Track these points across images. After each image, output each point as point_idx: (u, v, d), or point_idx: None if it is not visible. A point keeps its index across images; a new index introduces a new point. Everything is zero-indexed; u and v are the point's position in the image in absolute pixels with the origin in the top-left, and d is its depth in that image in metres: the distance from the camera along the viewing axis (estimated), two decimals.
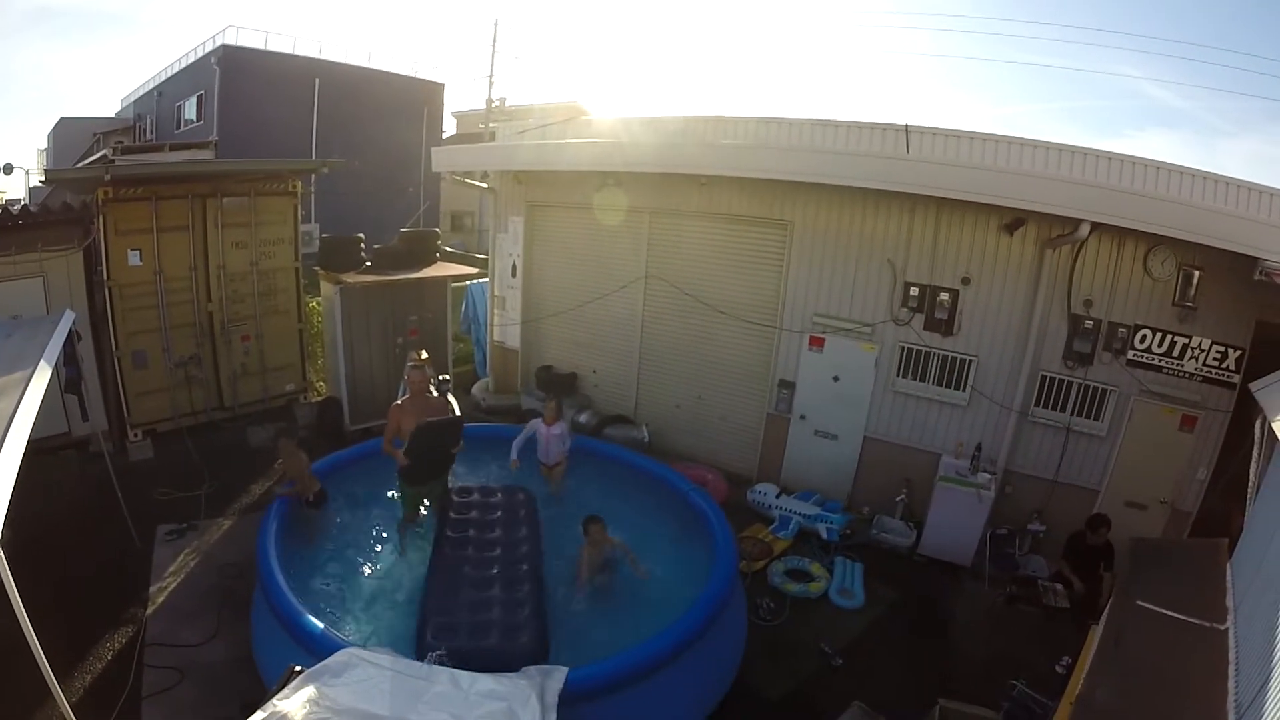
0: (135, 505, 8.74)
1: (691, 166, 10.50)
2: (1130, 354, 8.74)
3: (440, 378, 9.65)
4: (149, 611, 7.31)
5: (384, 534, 8.23)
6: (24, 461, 4.92)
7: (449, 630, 5.92)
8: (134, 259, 10.55)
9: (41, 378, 6.02)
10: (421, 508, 8.19)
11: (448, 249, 17.75)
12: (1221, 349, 8.35)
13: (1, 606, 4.30)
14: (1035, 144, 9.20)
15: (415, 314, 12.50)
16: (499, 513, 7.72)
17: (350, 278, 11.79)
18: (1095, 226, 8.09)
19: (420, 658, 5.69)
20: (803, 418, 10.79)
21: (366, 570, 7.57)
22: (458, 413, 8.67)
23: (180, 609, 7.40)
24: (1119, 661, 4.34)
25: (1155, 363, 8.66)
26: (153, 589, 7.68)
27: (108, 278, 10.31)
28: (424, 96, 36.13)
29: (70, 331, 7.56)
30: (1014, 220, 8.85)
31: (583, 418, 12.31)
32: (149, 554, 8.30)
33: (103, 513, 8.58)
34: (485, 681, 4.93)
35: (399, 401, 8.02)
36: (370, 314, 12.06)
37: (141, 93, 38.31)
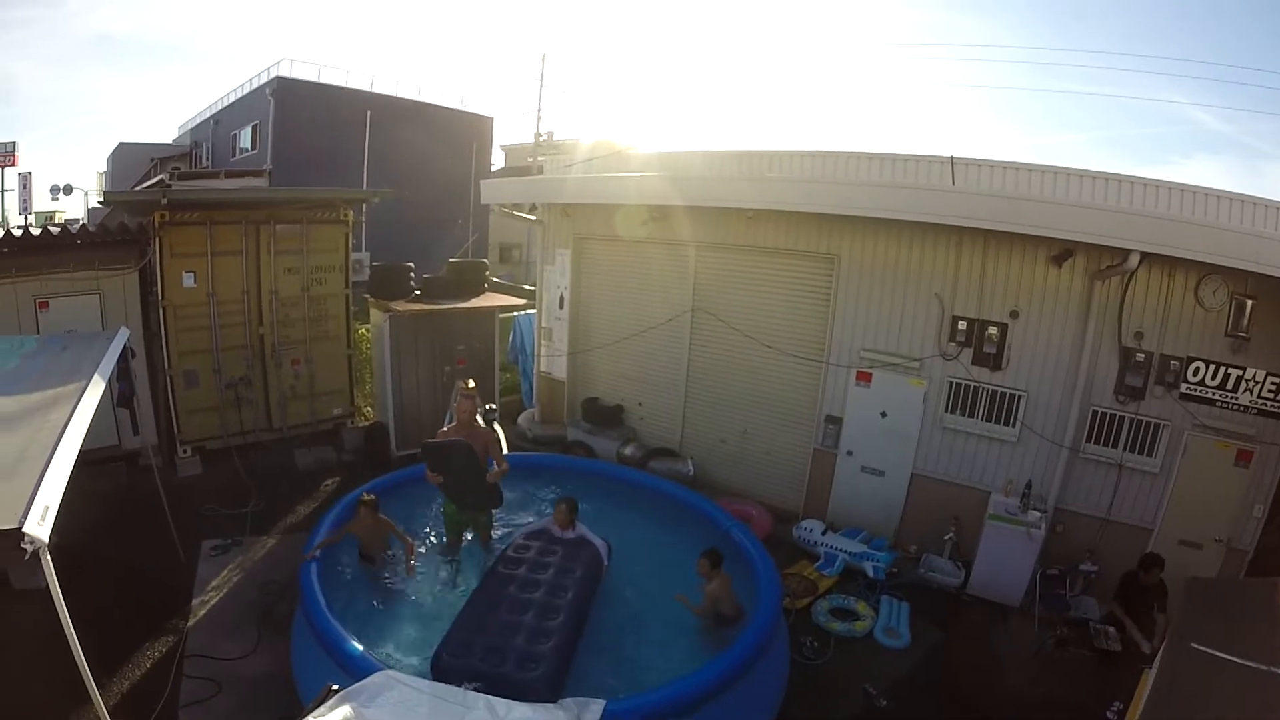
0: (181, 519, 8.90)
1: (737, 200, 10.52)
2: (1183, 387, 8.51)
3: (487, 407, 9.70)
4: (190, 624, 7.42)
5: (431, 560, 8.24)
6: (75, 471, 5.04)
7: (465, 648, 6.02)
8: (188, 281, 10.83)
9: (95, 390, 6.18)
10: (464, 538, 8.24)
11: (495, 280, 17.96)
12: (1277, 380, 8.09)
13: (46, 611, 4.38)
14: (1082, 173, 9.09)
15: (463, 343, 12.66)
16: (558, 555, 7.55)
17: (400, 306, 12.01)
18: (1145, 256, 7.93)
19: (434, 671, 5.86)
20: (850, 453, 10.64)
21: (406, 595, 7.55)
22: (503, 443, 8.69)
23: (221, 623, 7.49)
24: (1173, 706, 4.18)
25: (1209, 396, 8.42)
26: (195, 602, 7.80)
27: (162, 298, 10.60)
28: (473, 130, 36.81)
29: (125, 348, 7.74)
30: (1062, 252, 8.70)
31: (628, 450, 12.29)
32: (193, 568, 8.44)
33: (149, 525, 8.73)
34: (522, 710, 4.87)
35: (444, 429, 8.06)
36: (419, 342, 12.25)
37: (198, 120, 39.59)
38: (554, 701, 5.50)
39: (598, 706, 5.16)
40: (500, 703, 4.89)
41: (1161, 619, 7.28)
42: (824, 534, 9.95)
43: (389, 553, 7.76)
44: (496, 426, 9.00)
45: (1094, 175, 9.05)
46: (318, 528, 7.62)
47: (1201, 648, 4.56)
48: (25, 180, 34.74)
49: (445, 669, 5.84)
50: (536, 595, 6.73)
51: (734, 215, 10.90)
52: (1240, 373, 8.25)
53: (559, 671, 5.97)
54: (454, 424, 8.05)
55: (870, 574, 9.21)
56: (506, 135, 62.45)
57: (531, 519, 8.74)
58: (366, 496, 7.67)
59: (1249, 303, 8.08)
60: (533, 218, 14.15)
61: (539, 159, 26.16)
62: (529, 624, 6.34)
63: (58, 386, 6.13)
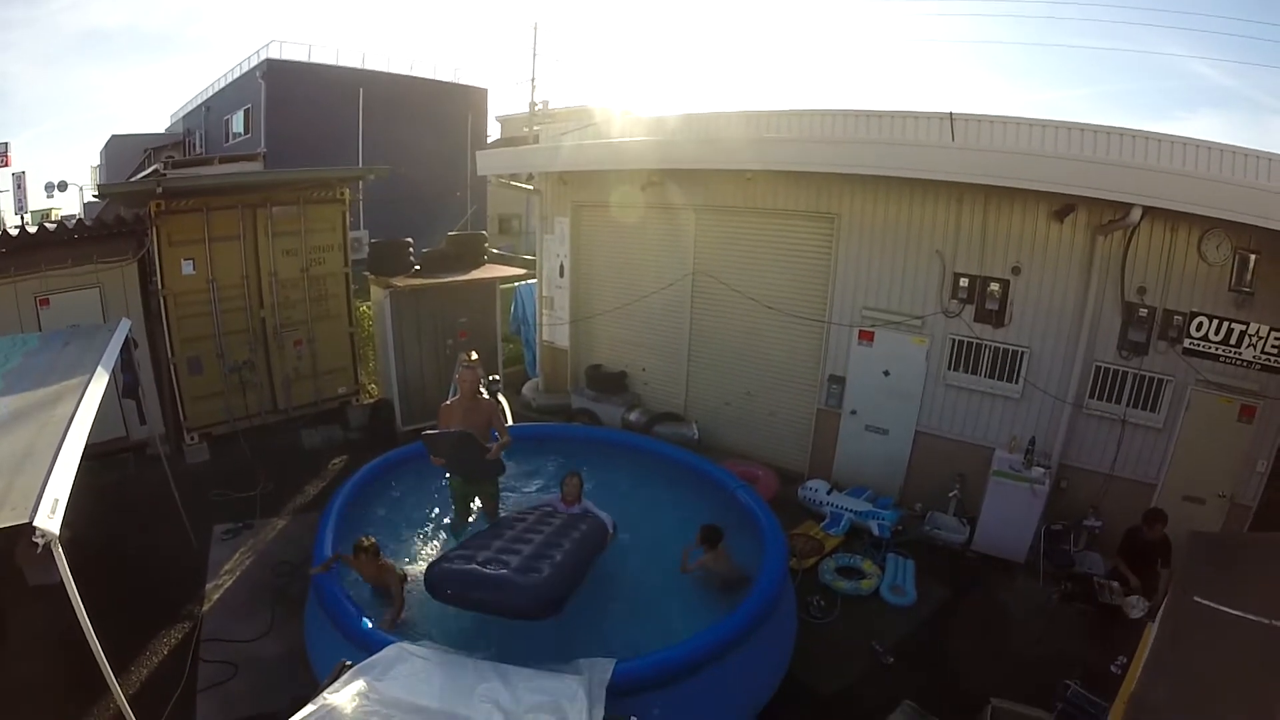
0: (192, 506, 8.96)
1: (733, 162, 10.46)
2: (1186, 342, 8.47)
3: (490, 378, 9.71)
4: (205, 608, 7.51)
5: (436, 532, 8.33)
6: (84, 464, 5.08)
7: (465, 559, 5.87)
8: (187, 268, 10.83)
9: (99, 383, 6.21)
10: (471, 507, 8.24)
11: (494, 251, 17.93)
12: None
13: (62, 605, 4.44)
14: (1083, 127, 8.97)
15: (464, 316, 12.71)
16: (560, 519, 7.31)
17: (400, 281, 12.05)
18: (1147, 211, 7.87)
19: (430, 578, 5.78)
20: (853, 413, 10.67)
21: (417, 569, 7.58)
22: (507, 413, 8.69)
23: (235, 606, 7.58)
24: (1175, 660, 4.20)
25: (1212, 351, 8.37)
26: (208, 586, 7.89)
27: (162, 287, 10.59)
28: (468, 102, 36.61)
29: (127, 339, 7.75)
30: (1064, 207, 8.65)
31: (633, 416, 12.35)
32: (205, 553, 8.52)
33: (160, 513, 8.78)
34: (532, 673, 4.96)
35: (448, 402, 8.05)
36: (420, 317, 12.30)
37: (190, 108, 39.47)
38: (556, 611, 5.58)
39: (607, 666, 5.23)
40: (512, 669, 4.98)
41: (1165, 574, 7.32)
42: (829, 494, 10.03)
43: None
44: (501, 398, 9.02)
45: (1095, 129, 8.93)
46: (322, 531, 7.28)
47: (1204, 601, 4.58)
48: (19, 180, 34.48)
49: (441, 574, 5.75)
50: (537, 539, 6.50)
51: (732, 177, 10.85)
52: (1244, 328, 8.19)
53: (560, 583, 5.79)
54: (457, 397, 8.02)
55: (876, 532, 9.29)
56: (502, 106, 61.93)
57: (537, 489, 8.78)
58: (365, 541, 6.72)
59: (1253, 257, 8.00)
60: (530, 187, 14.09)
61: (534, 128, 25.99)
62: (529, 551, 6.13)
63: (62, 381, 6.17)
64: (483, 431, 7.69)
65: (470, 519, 8.25)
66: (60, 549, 4.27)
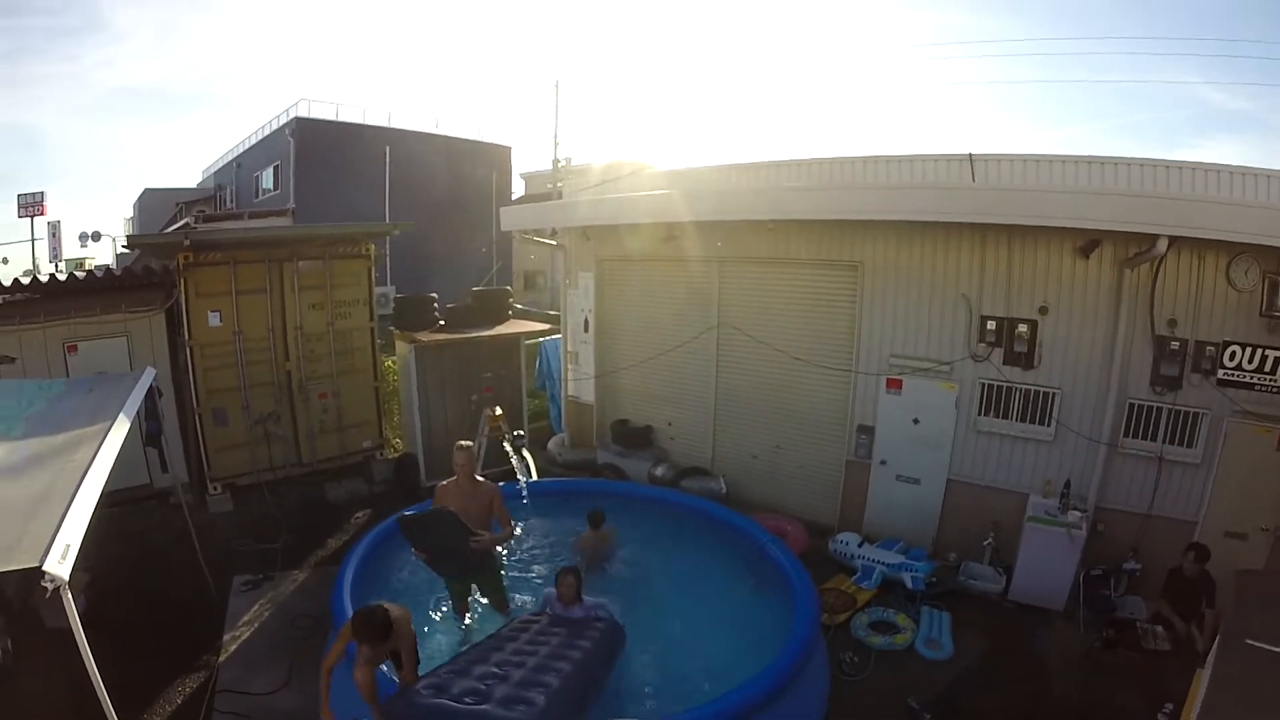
0: (213, 556, 8.92)
1: (752, 213, 10.43)
2: (1220, 373, 8.25)
3: (515, 433, 9.59)
4: (221, 659, 7.40)
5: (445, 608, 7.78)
6: (107, 510, 5.06)
7: (436, 689, 4.87)
8: (214, 320, 10.96)
9: (120, 429, 6.21)
10: (470, 598, 7.51)
11: (519, 307, 18.04)
12: None
13: (73, 650, 4.37)
14: (1103, 160, 8.91)
15: (489, 371, 12.73)
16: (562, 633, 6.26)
17: (424, 336, 12.13)
18: (1173, 241, 7.74)
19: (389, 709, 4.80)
20: (883, 463, 10.46)
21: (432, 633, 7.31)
22: (533, 471, 8.46)
23: (252, 658, 7.46)
24: (1230, 707, 4.00)
25: (1247, 380, 8.14)
26: (226, 637, 7.78)
27: (189, 338, 10.73)
28: (492, 159, 37.19)
29: (151, 387, 7.80)
30: (1088, 242, 8.54)
31: (659, 470, 12.23)
32: (224, 603, 8.44)
33: (181, 562, 8.75)
34: None
35: (444, 483, 7.34)
36: (444, 371, 12.34)
37: (221, 164, 40.52)
38: None
39: None
40: None
41: (1210, 614, 7.03)
42: (860, 546, 9.76)
43: None
44: (526, 454, 8.87)
45: (1115, 161, 8.87)
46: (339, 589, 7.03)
47: (1256, 643, 4.37)
48: (54, 229, 35.61)
49: (404, 712, 4.74)
50: (532, 660, 5.57)
51: (754, 228, 10.81)
52: (1278, 354, 7.99)
53: (561, 715, 4.88)
54: (454, 479, 7.23)
55: (909, 585, 9.02)
56: (525, 163, 63.03)
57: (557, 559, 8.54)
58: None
59: None
60: (554, 242, 14.17)
61: (558, 185, 26.31)
62: (520, 676, 5.21)
63: (83, 427, 6.18)
64: (483, 518, 7.02)
65: (471, 616, 7.51)
66: (70, 594, 4.21)
